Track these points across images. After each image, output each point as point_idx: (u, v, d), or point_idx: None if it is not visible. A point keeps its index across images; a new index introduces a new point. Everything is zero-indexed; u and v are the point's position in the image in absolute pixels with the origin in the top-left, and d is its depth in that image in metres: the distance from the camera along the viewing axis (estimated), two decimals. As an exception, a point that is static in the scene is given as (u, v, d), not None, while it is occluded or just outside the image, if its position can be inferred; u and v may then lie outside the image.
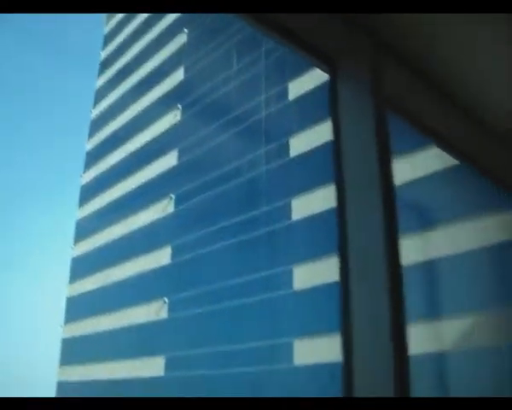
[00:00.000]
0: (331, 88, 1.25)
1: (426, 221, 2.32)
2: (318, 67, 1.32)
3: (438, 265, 2.27)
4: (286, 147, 13.73)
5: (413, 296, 2.26)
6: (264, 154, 14.58)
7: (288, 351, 9.65)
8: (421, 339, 2.18)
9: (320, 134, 10.43)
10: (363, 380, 0.99)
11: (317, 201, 11.35)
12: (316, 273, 9.38)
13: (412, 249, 2.30)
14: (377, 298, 1.02)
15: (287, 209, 13.01)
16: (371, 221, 1.08)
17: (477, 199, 2.26)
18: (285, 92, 14.30)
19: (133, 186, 20.98)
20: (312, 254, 9.26)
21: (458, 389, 2.10)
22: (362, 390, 0.98)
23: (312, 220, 11.53)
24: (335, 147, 1.18)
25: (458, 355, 2.16)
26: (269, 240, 13.42)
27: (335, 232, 2.09)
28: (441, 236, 2.27)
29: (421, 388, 2.13)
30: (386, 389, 0.95)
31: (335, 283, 2.20)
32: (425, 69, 1.59)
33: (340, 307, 1.04)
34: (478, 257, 2.19)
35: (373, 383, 0.98)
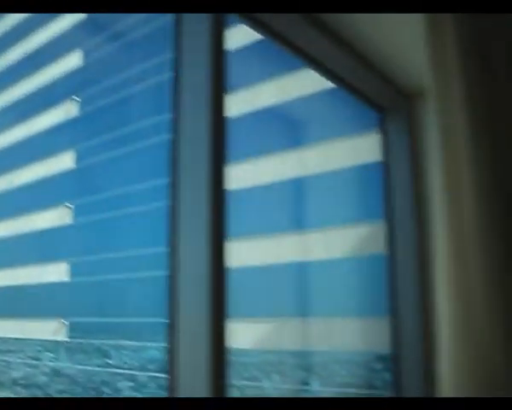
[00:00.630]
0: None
1: (300, 140, 2.46)
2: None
3: (309, 181, 2.43)
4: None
5: (282, 210, 2.44)
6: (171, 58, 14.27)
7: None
8: (286, 249, 2.37)
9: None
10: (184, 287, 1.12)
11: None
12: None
13: (287, 166, 2.45)
14: (200, 218, 1.14)
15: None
16: (200, 149, 1.18)
17: (350, 120, 2.41)
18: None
19: (35, 87, 20.00)
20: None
21: (317, 295, 2.33)
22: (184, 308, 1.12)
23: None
24: (175, 69, 1.25)
25: (320, 265, 2.37)
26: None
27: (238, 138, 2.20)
28: (314, 154, 2.42)
29: (281, 291, 2.34)
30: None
31: (233, 190, 2.33)
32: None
33: (168, 223, 1.16)
34: (346, 176, 2.37)
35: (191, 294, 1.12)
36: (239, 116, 2.36)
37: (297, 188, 2.33)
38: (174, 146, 1.23)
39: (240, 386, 2.53)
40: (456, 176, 1.47)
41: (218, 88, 1.22)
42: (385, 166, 2.19)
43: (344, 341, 2.33)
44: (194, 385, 1.12)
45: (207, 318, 1.11)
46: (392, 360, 2.03)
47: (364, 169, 2.30)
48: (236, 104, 2.40)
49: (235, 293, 2.32)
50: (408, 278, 2.04)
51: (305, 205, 2.33)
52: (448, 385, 1.48)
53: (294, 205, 2.32)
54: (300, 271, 2.30)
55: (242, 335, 2.42)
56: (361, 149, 2.31)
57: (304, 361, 2.48)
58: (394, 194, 2.14)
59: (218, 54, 1.23)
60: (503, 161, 1.52)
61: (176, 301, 1.17)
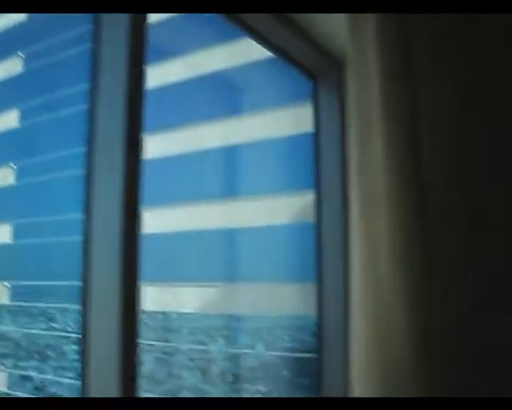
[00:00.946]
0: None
1: (236, 108, 2.48)
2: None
3: (243, 149, 2.47)
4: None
5: (216, 177, 2.48)
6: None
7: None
8: (218, 217, 2.42)
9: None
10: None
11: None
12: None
13: (221, 133, 2.47)
14: (114, 186, 1.18)
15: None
16: (117, 118, 1.21)
17: (285, 90, 2.45)
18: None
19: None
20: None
21: (249, 261, 2.40)
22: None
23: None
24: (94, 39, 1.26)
25: (252, 232, 2.43)
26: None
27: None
28: (248, 122, 2.45)
29: (211, 260, 2.40)
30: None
31: (168, 156, 2.34)
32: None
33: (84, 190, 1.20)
34: (279, 145, 2.42)
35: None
36: (175, 83, 2.37)
37: (231, 155, 2.37)
38: (91, 114, 1.25)
39: (185, 350, 2.58)
40: (367, 143, 1.54)
41: (137, 59, 1.24)
42: (315, 136, 2.24)
43: (276, 306, 2.41)
44: (106, 347, 1.16)
45: (119, 281, 1.16)
46: (317, 325, 2.12)
47: (298, 138, 2.35)
48: (173, 71, 2.41)
49: (167, 257, 2.36)
50: (333, 246, 2.12)
51: (237, 173, 2.37)
52: (359, 357, 1.58)
53: (227, 172, 2.37)
54: (233, 237, 2.36)
55: (185, 299, 2.47)
56: (295, 118, 2.36)
57: (247, 326, 2.54)
58: (323, 164, 2.19)
59: (138, 25, 1.25)
60: (414, 131, 1.60)
61: (89, 265, 1.21)
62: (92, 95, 1.26)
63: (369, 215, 1.59)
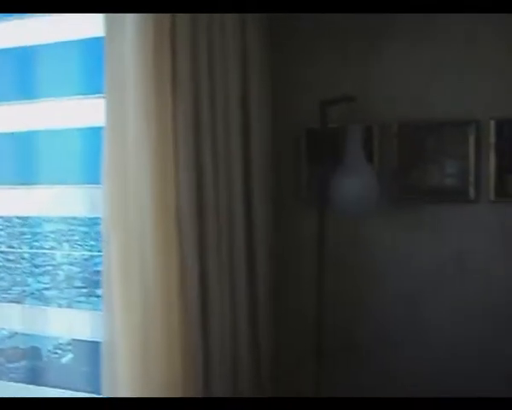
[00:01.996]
0: None
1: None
2: None
3: (36, 50, 2.42)
4: None
5: (10, 79, 2.44)
6: None
7: None
8: (16, 118, 2.41)
9: None
10: None
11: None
12: None
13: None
14: None
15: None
16: None
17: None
18: None
19: None
20: None
21: (45, 163, 2.42)
22: None
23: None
24: None
25: (48, 135, 2.44)
26: None
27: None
28: (40, 24, 2.40)
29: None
30: None
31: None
32: None
33: None
34: (72, 48, 2.39)
35: None
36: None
37: (25, 57, 2.33)
38: None
39: (30, 256, 2.57)
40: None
41: None
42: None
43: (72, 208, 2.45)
44: None
45: None
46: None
47: (90, 42, 2.33)
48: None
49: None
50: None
51: (31, 74, 2.34)
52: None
53: (21, 74, 2.33)
54: (31, 139, 2.37)
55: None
56: (88, 21, 2.32)
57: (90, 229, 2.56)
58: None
59: None
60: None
61: None
62: None
63: (119, 98, 1.68)
